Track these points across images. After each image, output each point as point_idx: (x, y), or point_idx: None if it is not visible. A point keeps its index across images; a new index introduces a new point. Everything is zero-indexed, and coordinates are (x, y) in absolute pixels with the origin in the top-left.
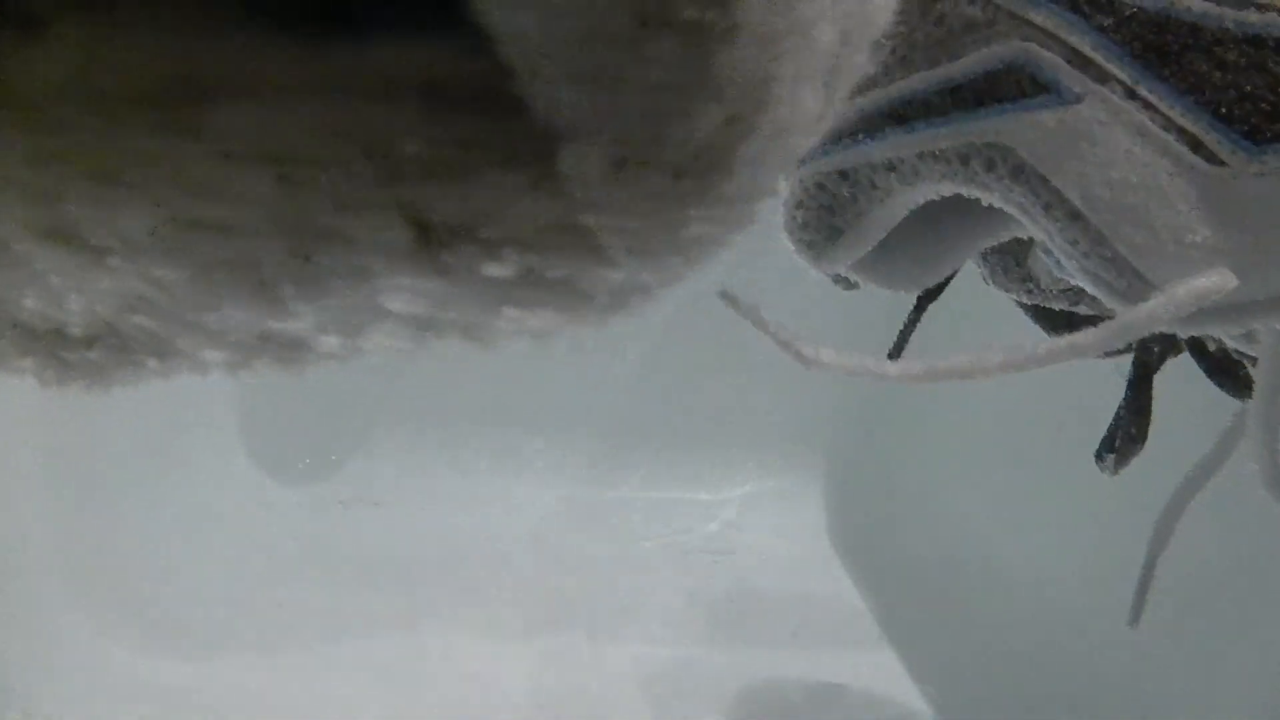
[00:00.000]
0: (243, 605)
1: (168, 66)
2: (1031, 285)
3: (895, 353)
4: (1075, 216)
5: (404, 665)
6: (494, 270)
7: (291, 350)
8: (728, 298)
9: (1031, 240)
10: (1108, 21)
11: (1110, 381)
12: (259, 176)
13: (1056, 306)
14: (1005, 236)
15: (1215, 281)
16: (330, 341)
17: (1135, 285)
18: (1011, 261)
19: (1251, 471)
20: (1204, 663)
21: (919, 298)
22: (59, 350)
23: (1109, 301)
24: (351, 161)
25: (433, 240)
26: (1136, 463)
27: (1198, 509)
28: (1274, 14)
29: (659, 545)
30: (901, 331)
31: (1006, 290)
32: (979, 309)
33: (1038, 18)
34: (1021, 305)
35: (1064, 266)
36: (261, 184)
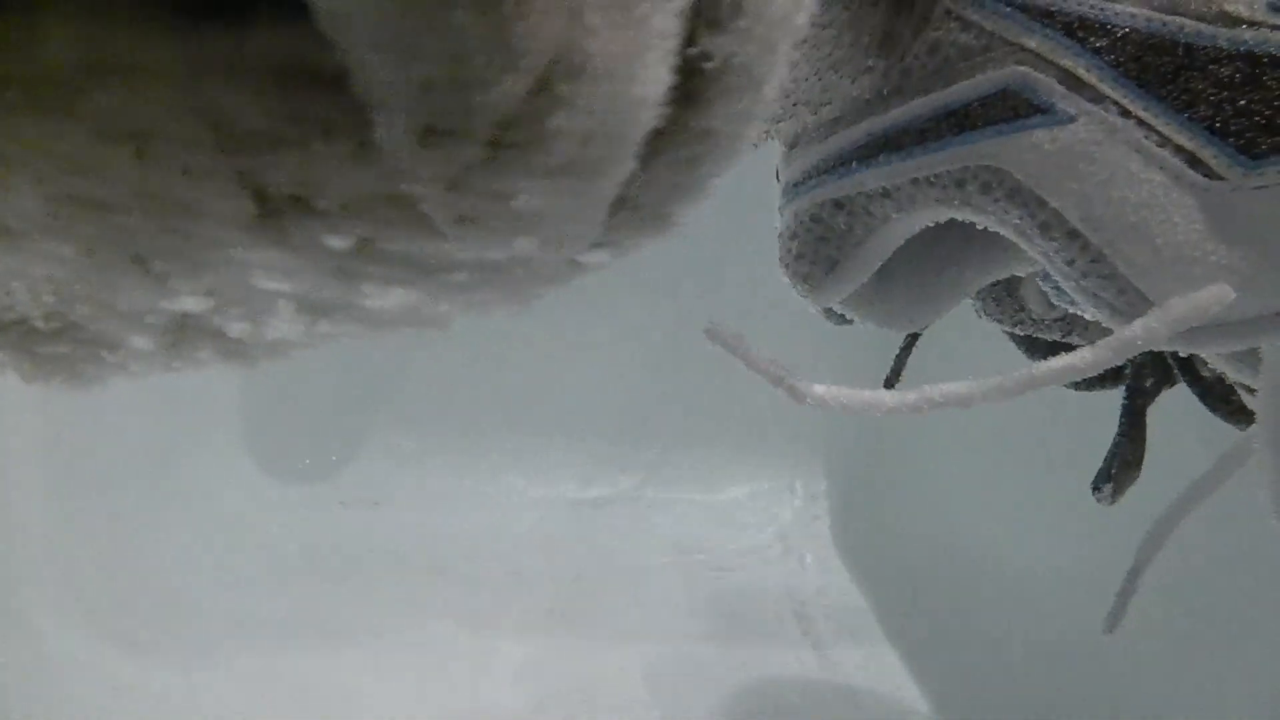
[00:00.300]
0: (242, 605)
1: (58, 52)
2: (1023, 316)
3: (891, 383)
4: (1073, 236)
5: (404, 665)
6: (333, 241)
7: (216, 338)
8: (714, 335)
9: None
10: (1101, 43)
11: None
12: (123, 153)
13: (1048, 337)
14: (1003, 274)
15: (1213, 296)
16: (240, 327)
17: (1135, 303)
18: (1003, 292)
19: (1261, 498)
20: (1205, 664)
21: (908, 335)
22: (30, 344)
23: (1108, 320)
24: (197, 135)
25: (273, 211)
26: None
27: (1199, 511)
28: (1266, 30)
29: (659, 545)
30: (894, 365)
31: (999, 321)
32: (973, 334)
33: (1032, 42)
34: (1013, 337)
35: (1062, 289)
36: (124, 160)
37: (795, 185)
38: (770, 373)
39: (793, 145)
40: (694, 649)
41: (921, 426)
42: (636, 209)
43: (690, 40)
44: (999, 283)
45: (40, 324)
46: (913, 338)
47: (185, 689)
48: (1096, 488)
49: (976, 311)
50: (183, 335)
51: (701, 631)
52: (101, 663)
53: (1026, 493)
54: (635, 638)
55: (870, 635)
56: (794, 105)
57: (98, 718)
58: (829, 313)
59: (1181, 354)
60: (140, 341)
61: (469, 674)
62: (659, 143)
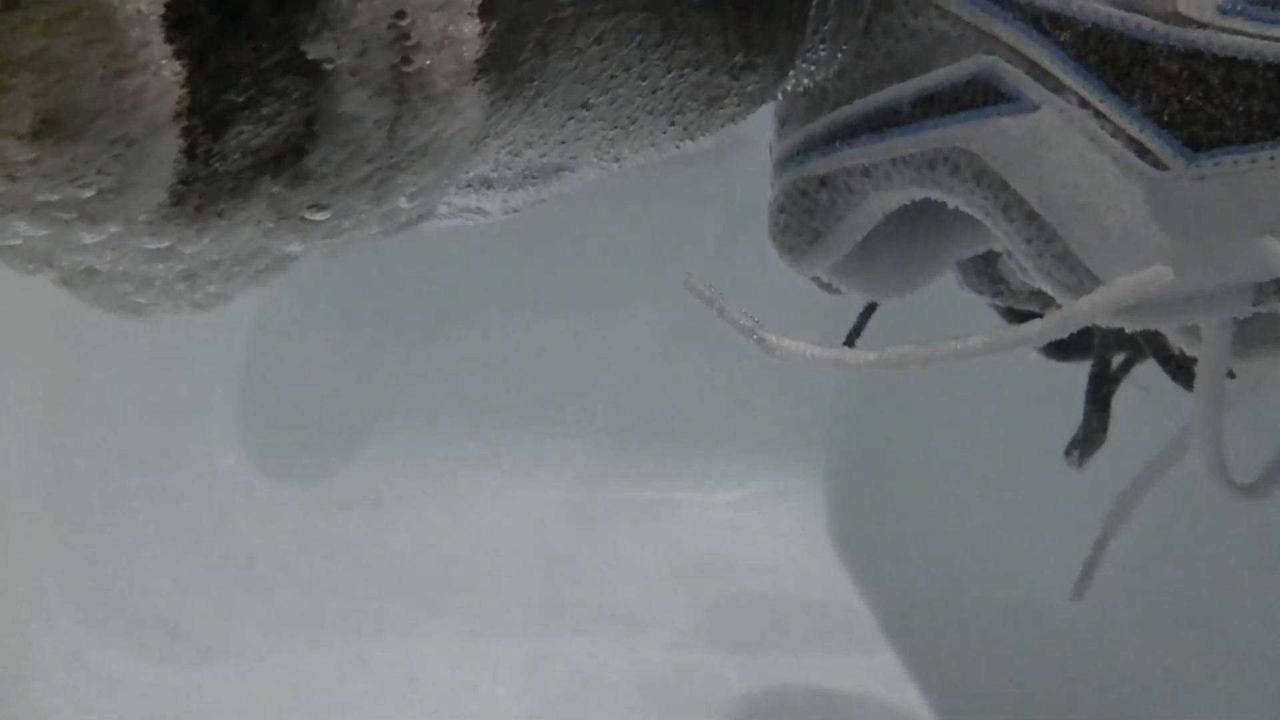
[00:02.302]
0: (240, 606)
1: None
2: (1001, 288)
3: (850, 344)
4: (1031, 217)
5: (402, 666)
6: None
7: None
8: (691, 288)
9: None
10: (1066, 37)
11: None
12: None
13: (1024, 308)
14: (981, 248)
15: (1154, 275)
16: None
17: (1086, 280)
18: (982, 265)
19: (1196, 463)
20: (1206, 666)
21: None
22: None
23: (1061, 296)
24: None
25: None
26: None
27: (1200, 513)
28: (1212, 31)
29: (659, 546)
30: (850, 332)
31: (979, 293)
32: (958, 309)
33: (1003, 33)
34: (995, 308)
35: (1022, 265)
36: None
37: (785, 161)
38: (743, 326)
39: (784, 123)
40: (694, 653)
41: (922, 428)
42: (329, 182)
43: (295, 47)
44: (978, 256)
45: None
46: (865, 316)
47: (185, 689)
48: (1068, 453)
49: (959, 283)
50: (75, 273)
51: (701, 635)
52: (102, 663)
53: (1028, 495)
54: (634, 640)
55: (871, 638)
56: (676, 97)
57: (97, 718)
58: (817, 280)
59: (1127, 329)
60: (49, 275)
61: (466, 676)
62: (318, 126)
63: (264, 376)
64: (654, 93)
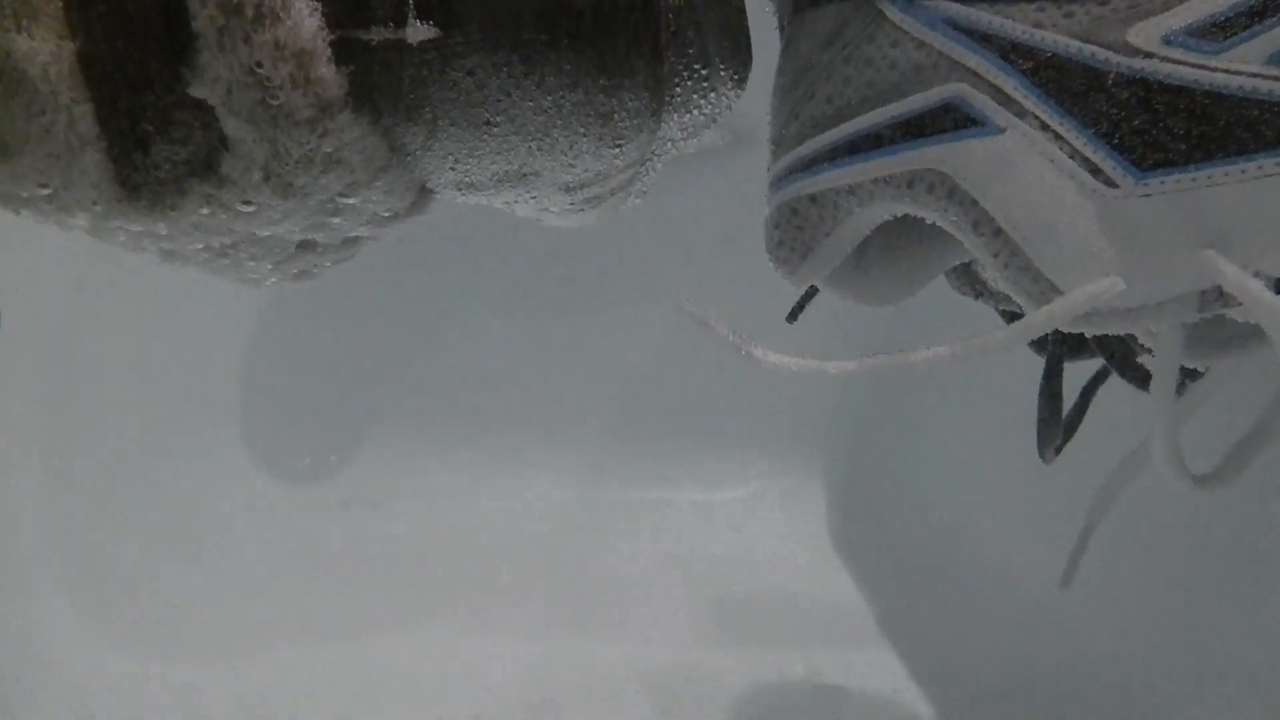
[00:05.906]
0: (240, 606)
1: None
2: (981, 289)
3: (792, 318)
4: (998, 232)
5: (403, 666)
6: None
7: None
8: (682, 309)
9: None
10: (1028, 65)
11: (1111, 385)
12: None
13: (1010, 309)
14: (965, 259)
15: (1106, 287)
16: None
17: (1047, 291)
18: (963, 270)
19: (1156, 452)
20: (1207, 667)
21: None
22: None
23: (1026, 305)
24: None
25: None
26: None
27: (1200, 513)
28: (1157, 60)
29: (659, 546)
30: (793, 310)
31: (962, 293)
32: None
33: (971, 62)
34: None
35: (992, 275)
36: None
37: (778, 181)
38: (732, 342)
39: (777, 146)
40: (694, 652)
41: (923, 427)
42: (240, 184)
43: (183, 91)
44: (963, 263)
45: None
46: (806, 299)
47: (184, 689)
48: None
49: (950, 286)
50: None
51: (701, 634)
52: (98, 663)
53: (1029, 494)
54: (635, 640)
55: (871, 637)
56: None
57: (97, 717)
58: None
59: (1087, 335)
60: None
61: (467, 675)
62: (226, 145)
63: (264, 376)
64: (544, 111)
